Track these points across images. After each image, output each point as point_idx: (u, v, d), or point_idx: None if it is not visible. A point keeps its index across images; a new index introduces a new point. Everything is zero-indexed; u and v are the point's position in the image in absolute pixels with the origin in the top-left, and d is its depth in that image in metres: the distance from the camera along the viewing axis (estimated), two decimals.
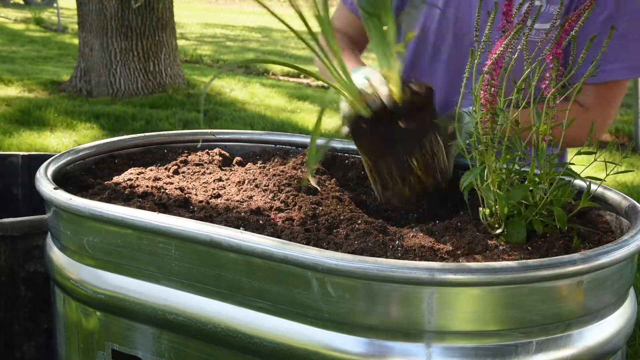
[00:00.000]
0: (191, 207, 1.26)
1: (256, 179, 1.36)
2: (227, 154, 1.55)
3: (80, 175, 1.40)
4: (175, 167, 1.46)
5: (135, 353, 1.18)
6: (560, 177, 1.14)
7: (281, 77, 8.56)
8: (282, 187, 1.32)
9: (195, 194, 1.32)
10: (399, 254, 1.07)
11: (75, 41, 8.53)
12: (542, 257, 1.05)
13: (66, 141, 4.98)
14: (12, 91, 6.67)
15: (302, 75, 8.21)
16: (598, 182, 1.19)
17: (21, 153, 2.15)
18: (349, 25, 1.76)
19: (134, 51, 6.55)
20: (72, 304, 1.25)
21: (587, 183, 1.18)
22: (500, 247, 1.08)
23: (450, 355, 0.95)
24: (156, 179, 1.38)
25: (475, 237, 1.12)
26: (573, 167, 1.13)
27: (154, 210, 1.20)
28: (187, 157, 1.52)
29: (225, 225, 1.14)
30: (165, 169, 1.46)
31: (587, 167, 1.14)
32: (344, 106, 1.29)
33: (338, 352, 0.98)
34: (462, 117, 1.27)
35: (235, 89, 7.25)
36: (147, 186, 1.33)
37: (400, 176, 1.25)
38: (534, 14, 1.21)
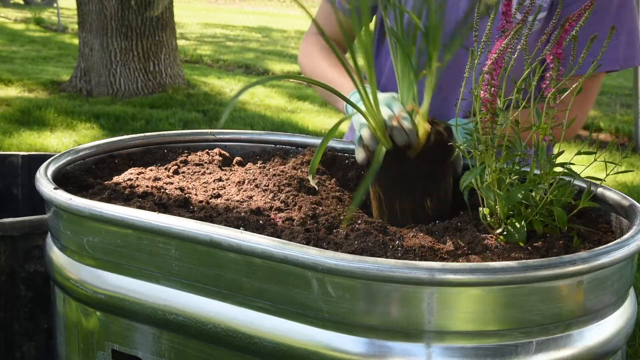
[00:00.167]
0: (191, 207, 1.26)
1: (256, 179, 1.36)
2: (227, 154, 1.55)
3: (80, 175, 1.40)
4: (175, 167, 1.46)
5: (135, 353, 1.18)
6: (560, 177, 1.14)
7: None
8: (282, 187, 1.32)
9: (195, 194, 1.32)
10: (399, 254, 1.07)
11: (75, 41, 8.54)
12: (542, 257, 1.05)
13: (66, 141, 4.98)
14: (12, 91, 6.67)
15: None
16: (598, 182, 1.19)
17: (21, 153, 2.15)
18: (335, 25, 1.69)
19: (134, 51, 6.56)
20: (72, 304, 1.25)
21: (587, 183, 1.18)
22: (500, 247, 1.08)
23: (450, 355, 0.95)
24: (156, 179, 1.38)
25: (475, 237, 1.12)
26: (573, 167, 1.13)
27: (154, 210, 1.20)
28: (187, 157, 1.52)
29: (225, 225, 1.14)
30: (165, 169, 1.46)
31: (587, 167, 1.14)
32: (365, 133, 1.26)
33: (338, 352, 0.98)
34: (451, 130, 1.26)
35: (235, 89, 7.25)
36: (147, 186, 1.33)
37: (411, 212, 1.24)
38: (534, 12, 1.21)
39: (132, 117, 5.75)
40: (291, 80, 8.26)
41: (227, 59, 9.55)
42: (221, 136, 1.62)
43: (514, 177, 1.14)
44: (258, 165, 1.48)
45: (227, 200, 1.29)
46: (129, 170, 1.43)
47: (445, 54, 1.24)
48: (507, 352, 0.95)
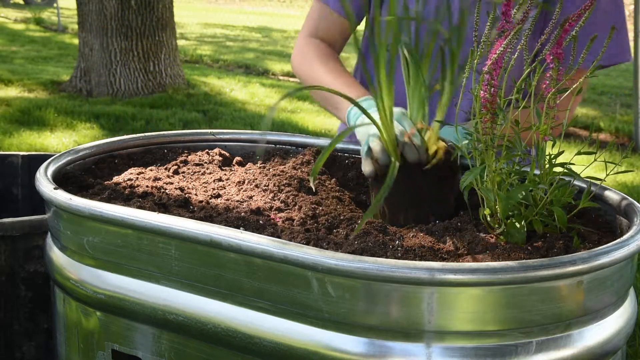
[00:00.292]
0: (191, 207, 1.26)
1: (256, 179, 1.36)
2: (227, 154, 1.55)
3: (80, 175, 1.40)
4: (175, 167, 1.46)
5: (135, 353, 1.18)
6: (560, 177, 1.14)
7: (281, 77, 8.56)
8: (282, 187, 1.32)
9: (195, 194, 1.32)
10: (399, 254, 1.07)
11: (75, 41, 8.53)
12: (542, 257, 1.05)
13: (66, 141, 4.98)
14: (12, 91, 6.67)
15: None
16: (598, 182, 1.19)
17: (21, 153, 2.15)
18: (329, 26, 1.69)
19: (134, 51, 6.56)
20: (72, 304, 1.25)
21: (587, 183, 1.18)
22: (500, 247, 1.08)
23: (450, 355, 0.95)
24: (156, 179, 1.38)
25: (475, 237, 1.12)
26: (573, 167, 1.13)
27: (154, 210, 1.20)
28: (187, 157, 1.52)
29: (225, 225, 1.14)
30: (165, 169, 1.46)
31: (587, 167, 1.14)
32: (377, 146, 1.25)
33: (338, 352, 0.98)
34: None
35: (235, 89, 7.25)
36: (147, 186, 1.33)
37: (416, 223, 1.24)
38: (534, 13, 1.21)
39: (132, 117, 5.75)
40: (288, 79, 8.26)
41: (227, 59, 9.55)
42: (221, 136, 1.62)
43: (514, 177, 1.14)
44: (258, 165, 1.48)
45: (227, 200, 1.29)
46: (129, 170, 1.43)
47: (459, 74, 1.23)
48: (507, 352, 0.95)
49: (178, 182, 1.38)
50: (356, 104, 1.21)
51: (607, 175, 1.14)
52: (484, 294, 0.94)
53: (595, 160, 1.12)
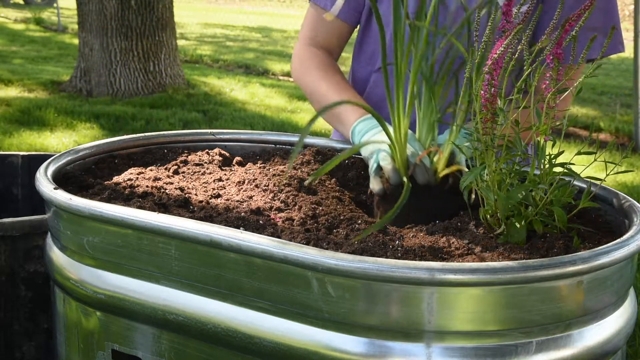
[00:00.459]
0: (191, 207, 1.26)
1: (256, 179, 1.36)
2: (227, 154, 1.55)
3: (80, 175, 1.40)
4: (175, 167, 1.46)
5: (135, 353, 1.18)
6: (560, 177, 1.14)
7: (281, 77, 8.56)
8: (282, 187, 1.32)
9: (195, 194, 1.32)
10: (399, 254, 1.07)
11: (75, 41, 8.54)
12: (542, 257, 1.05)
13: (66, 141, 4.98)
14: (12, 91, 6.67)
15: None
16: (598, 182, 1.19)
17: (21, 153, 2.15)
18: (327, 31, 1.67)
19: (134, 51, 6.56)
20: (72, 304, 1.25)
21: (587, 183, 1.18)
22: (500, 247, 1.08)
23: (450, 355, 0.95)
24: (156, 179, 1.38)
25: (475, 237, 1.12)
26: (573, 167, 1.13)
27: (154, 210, 1.20)
28: (187, 157, 1.52)
29: (225, 225, 1.14)
30: (165, 169, 1.46)
31: (587, 167, 1.14)
32: (388, 165, 1.26)
33: (338, 352, 0.98)
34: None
35: (235, 89, 7.26)
36: (147, 186, 1.33)
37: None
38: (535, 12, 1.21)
39: (132, 117, 5.75)
40: (288, 79, 8.26)
41: (227, 59, 9.55)
42: (221, 136, 1.62)
43: (514, 177, 1.14)
44: (258, 165, 1.48)
45: (227, 200, 1.29)
46: (129, 170, 1.43)
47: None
48: (507, 352, 0.95)
49: (178, 182, 1.38)
50: (382, 124, 1.22)
51: (607, 175, 1.14)
52: (484, 294, 0.94)
53: (595, 160, 1.12)
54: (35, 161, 2.11)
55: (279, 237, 1.12)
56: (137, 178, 1.38)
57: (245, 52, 10.51)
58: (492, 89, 1.09)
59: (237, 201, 1.28)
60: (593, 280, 0.98)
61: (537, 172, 1.14)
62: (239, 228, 1.14)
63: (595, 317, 1.01)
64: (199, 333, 1.09)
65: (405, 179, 1.21)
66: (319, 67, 1.63)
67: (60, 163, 1.39)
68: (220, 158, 1.52)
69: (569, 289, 0.97)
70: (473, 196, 1.18)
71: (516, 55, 1.11)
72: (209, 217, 1.20)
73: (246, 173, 1.41)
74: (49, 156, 1.64)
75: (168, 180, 1.38)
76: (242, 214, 1.21)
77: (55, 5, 14.16)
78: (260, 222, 1.18)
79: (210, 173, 1.45)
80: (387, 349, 0.96)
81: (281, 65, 9.08)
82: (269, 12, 19.22)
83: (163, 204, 1.25)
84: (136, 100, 6.38)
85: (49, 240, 1.32)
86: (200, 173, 1.45)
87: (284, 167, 1.43)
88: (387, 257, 1.06)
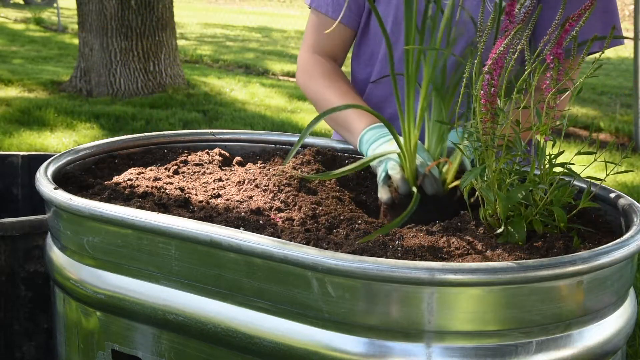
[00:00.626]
0: (191, 207, 1.26)
1: (256, 179, 1.36)
2: (227, 154, 1.55)
3: (80, 175, 1.40)
4: (175, 167, 1.46)
5: (135, 353, 1.18)
6: (560, 177, 1.14)
7: (281, 77, 8.56)
8: (282, 187, 1.32)
9: (195, 194, 1.32)
10: (399, 254, 1.07)
11: (75, 41, 8.54)
12: (542, 257, 1.05)
13: (66, 141, 4.98)
14: (12, 91, 6.67)
15: None
16: (598, 182, 1.19)
17: (21, 153, 2.15)
18: (330, 38, 1.65)
19: (134, 51, 6.56)
20: (72, 304, 1.25)
21: (587, 183, 1.18)
22: (500, 247, 1.08)
23: (450, 355, 0.95)
24: (156, 179, 1.38)
25: (475, 237, 1.12)
26: (573, 167, 1.13)
27: (154, 210, 1.20)
28: (187, 157, 1.52)
29: (225, 225, 1.14)
30: (165, 169, 1.46)
31: (587, 167, 1.14)
32: (397, 175, 1.26)
33: (338, 352, 0.98)
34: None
35: (235, 89, 7.26)
36: (147, 186, 1.33)
37: None
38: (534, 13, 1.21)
39: (132, 117, 5.75)
40: (288, 79, 8.26)
41: (227, 59, 9.55)
42: (221, 136, 1.62)
43: (514, 177, 1.14)
44: (258, 165, 1.48)
45: (227, 200, 1.29)
46: (129, 170, 1.43)
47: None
48: (507, 352, 0.95)
49: (178, 182, 1.38)
50: (393, 133, 1.22)
51: (607, 175, 1.14)
52: (484, 294, 0.94)
53: (595, 160, 1.12)
54: (35, 161, 2.11)
55: (279, 237, 1.12)
56: (137, 178, 1.38)
57: (245, 52, 10.51)
58: (492, 89, 1.09)
59: (237, 201, 1.28)
60: (593, 280, 0.98)
61: (537, 172, 1.14)
62: (239, 228, 1.14)
63: (595, 317, 1.01)
64: (199, 333, 1.09)
65: (414, 189, 1.22)
66: (323, 75, 1.63)
67: (60, 163, 1.39)
68: (220, 158, 1.52)
69: (569, 289, 0.97)
70: (472, 199, 1.19)
71: (516, 55, 1.11)
72: (209, 217, 1.20)
73: (246, 173, 1.41)
74: (49, 156, 1.64)
75: (168, 180, 1.38)
76: (242, 214, 1.21)
77: (55, 5, 14.16)
78: (260, 222, 1.18)
79: (210, 173, 1.45)
80: (387, 349, 0.96)
81: (281, 65, 9.08)
82: (269, 12, 19.22)
83: (163, 204, 1.25)
84: (136, 100, 6.38)
85: (49, 240, 1.32)
86: (200, 173, 1.45)
87: (284, 167, 1.43)
88: (387, 257, 1.06)
